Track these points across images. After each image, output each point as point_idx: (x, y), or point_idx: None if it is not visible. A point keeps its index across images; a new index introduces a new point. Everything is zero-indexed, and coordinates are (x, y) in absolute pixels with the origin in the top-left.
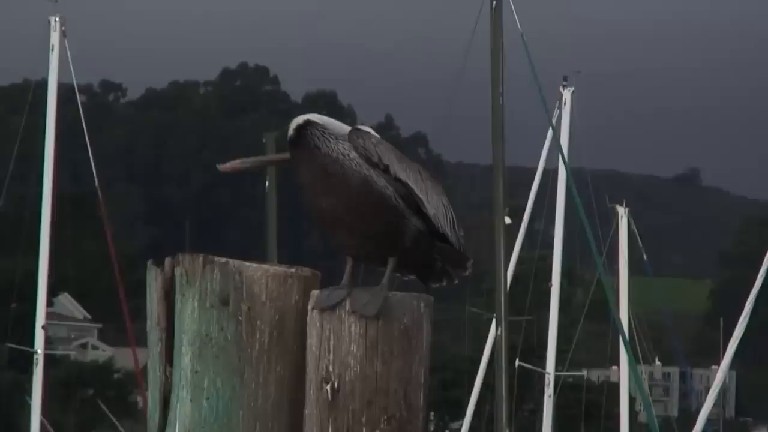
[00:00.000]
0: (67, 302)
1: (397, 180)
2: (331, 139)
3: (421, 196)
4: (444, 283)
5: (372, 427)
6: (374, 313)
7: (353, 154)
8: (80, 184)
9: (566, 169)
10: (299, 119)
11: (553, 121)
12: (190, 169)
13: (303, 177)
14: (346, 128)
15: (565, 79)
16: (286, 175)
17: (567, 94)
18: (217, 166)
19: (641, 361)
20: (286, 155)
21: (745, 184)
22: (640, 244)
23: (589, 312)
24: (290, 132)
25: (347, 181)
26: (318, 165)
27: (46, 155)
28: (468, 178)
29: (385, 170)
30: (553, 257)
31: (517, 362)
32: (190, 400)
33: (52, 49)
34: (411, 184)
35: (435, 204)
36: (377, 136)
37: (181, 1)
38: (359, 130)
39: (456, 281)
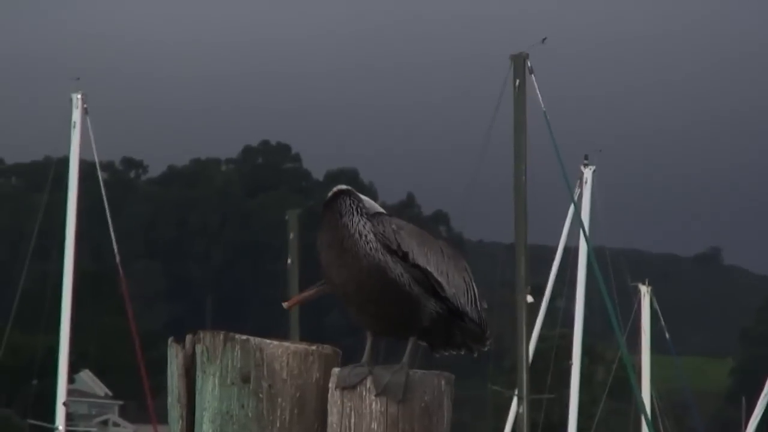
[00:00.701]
0: (88, 379)
1: (416, 266)
2: (355, 213)
3: (440, 280)
4: (462, 353)
5: None
6: (400, 397)
7: (371, 236)
8: (101, 260)
9: (588, 247)
10: (341, 186)
11: (575, 199)
12: (211, 245)
13: (321, 241)
14: (379, 210)
15: (586, 157)
16: (308, 253)
17: (588, 173)
18: (283, 304)
19: None
20: None
21: (766, 263)
22: (662, 323)
23: (611, 390)
24: (329, 194)
25: (359, 262)
26: (336, 234)
27: (67, 232)
28: (489, 257)
29: (404, 257)
30: (571, 334)
31: None
32: None
33: (74, 126)
34: (430, 269)
35: (456, 283)
36: (399, 220)
37: (203, 79)
38: (381, 215)
39: (475, 354)
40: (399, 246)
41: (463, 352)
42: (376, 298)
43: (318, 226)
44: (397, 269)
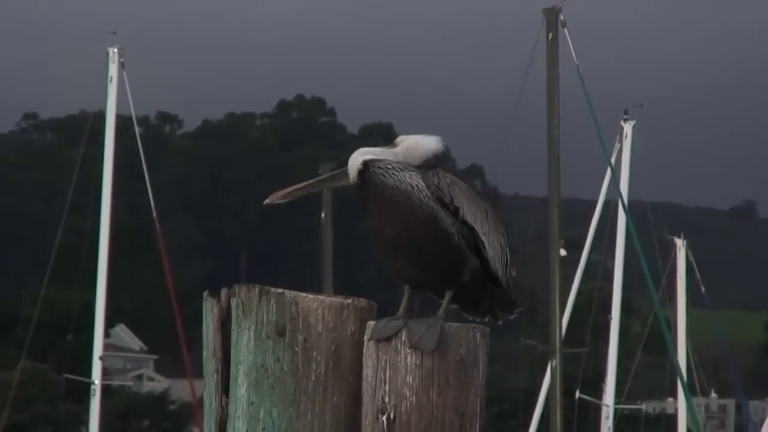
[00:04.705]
0: (123, 333)
1: (464, 223)
2: (396, 171)
3: (483, 240)
4: (486, 320)
5: None
6: (433, 347)
7: (422, 185)
8: (137, 215)
9: (625, 212)
10: (357, 163)
11: (613, 159)
12: (246, 200)
13: (370, 210)
14: (397, 151)
15: (626, 112)
16: (342, 207)
17: (628, 128)
18: (265, 201)
19: (698, 393)
20: (340, 173)
21: None
22: (698, 276)
23: (647, 343)
24: (354, 174)
25: (414, 212)
26: (386, 198)
27: (103, 187)
28: (524, 210)
29: (455, 212)
30: (608, 288)
31: (577, 394)
32: (246, 431)
33: (111, 81)
34: (477, 227)
35: (494, 246)
36: (452, 175)
37: (238, 33)
38: (435, 167)
39: (500, 322)
40: (452, 200)
41: (487, 319)
42: (426, 248)
43: (361, 202)
44: (447, 220)
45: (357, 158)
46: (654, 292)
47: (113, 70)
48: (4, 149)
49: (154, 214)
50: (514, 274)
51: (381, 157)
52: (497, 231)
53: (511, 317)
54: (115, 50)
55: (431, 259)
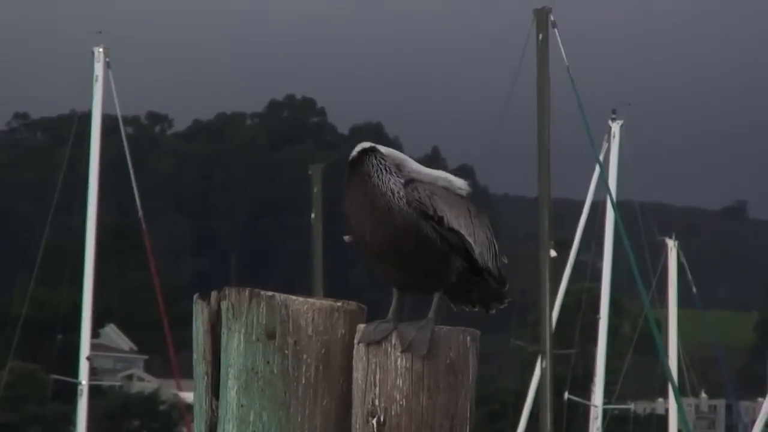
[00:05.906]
0: (113, 333)
1: (450, 230)
2: (384, 171)
3: (470, 240)
4: (476, 309)
5: None
6: (425, 352)
7: (402, 193)
8: (126, 215)
9: (613, 208)
10: (366, 144)
11: (601, 157)
12: (236, 200)
13: (351, 201)
14: (412, 165)
15: (614, 111)
16: (332, 207)
17: (616, 127)
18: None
19: (689, 393)
20: None
21: None
22: (689, 277)
23: (637, 343)
24: (353, 153)
25: (394, 218)
26: (366, 193)
27: (90, 187)
28: (514, 211)
29: (440, 222)
30: (596, 289)
31: (566, 395)
32: None
33: (96, 80)
34: (462, 231)
35: (481, 241)
36: (430, 184)
37: (227, 32)
38: (413, 181)
39: (492, 312)
40: (435, 211)
41: (476, 309)
42: (411, 254)
43: (344, 187)
44: (428, 227)
45: (368, 143)
46: (643, 292)
47: (99, 69)
48: None
49: (140, 213)
50: (505, 261)
51: (386, 153)
52: (482, 226)
53: (502, 306)
54: (101, 50)
55: (418, 264)
